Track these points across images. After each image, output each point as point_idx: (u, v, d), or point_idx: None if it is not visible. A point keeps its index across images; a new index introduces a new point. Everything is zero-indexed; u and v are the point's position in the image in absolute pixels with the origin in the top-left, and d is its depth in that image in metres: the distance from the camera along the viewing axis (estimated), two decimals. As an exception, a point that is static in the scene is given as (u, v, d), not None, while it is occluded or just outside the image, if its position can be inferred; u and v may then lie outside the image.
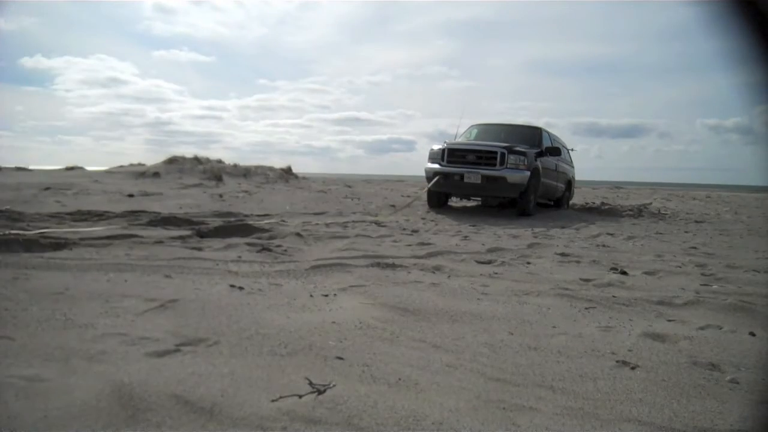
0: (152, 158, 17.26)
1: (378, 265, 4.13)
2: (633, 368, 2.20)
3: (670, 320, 2.99)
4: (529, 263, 4.67)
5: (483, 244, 5.65)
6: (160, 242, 4.58)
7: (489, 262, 4.63)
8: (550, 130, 11.38)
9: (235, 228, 5.60)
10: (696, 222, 10.27)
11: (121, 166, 13.74)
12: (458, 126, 11.88)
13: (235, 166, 14.60)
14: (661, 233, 8.00)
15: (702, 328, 2.81)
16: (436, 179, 9.52)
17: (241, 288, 3.18)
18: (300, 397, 1.72)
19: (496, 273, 4.13)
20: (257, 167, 14.93)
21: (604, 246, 6.16)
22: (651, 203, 14.38)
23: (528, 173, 9.37)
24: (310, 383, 1.83)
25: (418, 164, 11.93)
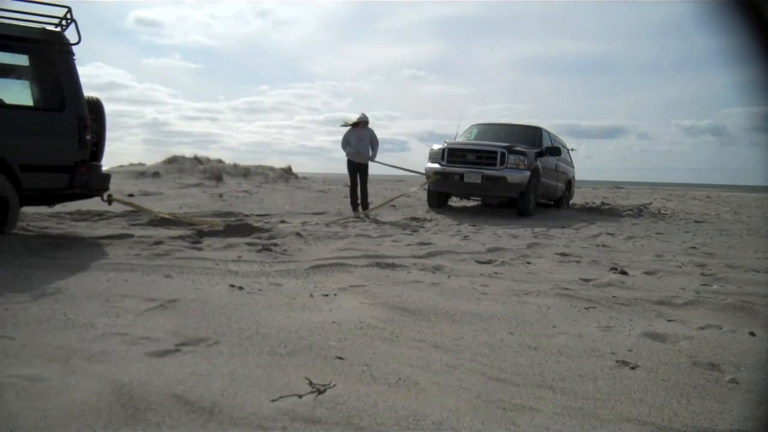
0: (151, 158, 17.29)
1: (378, 264, 4.13)
2: (633, 368, 2.20)
3: (670, 320, 2.99)
4: (529, 263, 4.67)
5: (483, 244, 5.65)
6: (160, 242, 4.59)
7: (489, 262, 4.63)
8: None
9: (235, 228, 5.60)
10: (696, 222, 10.27)
11: (121, 166, 13.77)
12: (458, 126, 11.87)
13: (235, 166, 14.63)
14: (661, 233, 7.99)
15: (702, 328, 2.81)
16: (434, 179, 9.52)
17: (241, 288, 3.18)
18: (300, 397, 1.72)
19: (496, 273, 4.13)
20: (257, 167, 14.96)
21: (604, 246, 6.15)
22: (651, 203, 14.37)
23: (528, 173, 9.36)
24: (310, 383, 1.83)
25: (418, 164, 11.94)
